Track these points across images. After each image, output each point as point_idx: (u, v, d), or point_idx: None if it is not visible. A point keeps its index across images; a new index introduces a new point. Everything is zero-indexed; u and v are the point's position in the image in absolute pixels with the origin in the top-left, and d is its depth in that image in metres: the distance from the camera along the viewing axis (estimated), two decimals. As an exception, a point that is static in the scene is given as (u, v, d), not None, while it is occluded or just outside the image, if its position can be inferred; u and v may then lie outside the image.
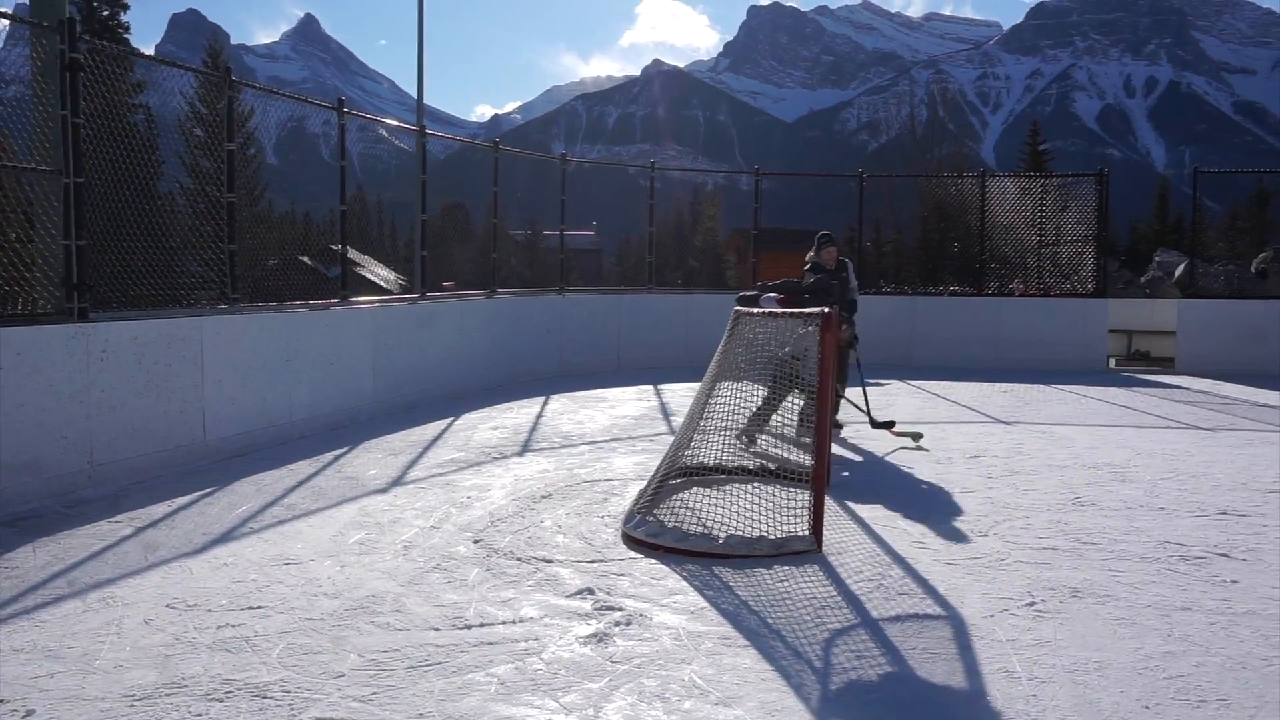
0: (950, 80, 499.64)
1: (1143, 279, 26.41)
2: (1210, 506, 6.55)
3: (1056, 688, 3.71)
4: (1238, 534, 5.85)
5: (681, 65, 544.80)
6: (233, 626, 4.27)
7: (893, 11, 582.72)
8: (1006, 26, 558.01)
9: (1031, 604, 4.62)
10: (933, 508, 6.47)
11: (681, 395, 11.96)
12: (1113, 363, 17.11)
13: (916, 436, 9.03)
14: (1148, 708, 3.55)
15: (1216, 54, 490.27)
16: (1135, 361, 17.82)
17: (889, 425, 9.11)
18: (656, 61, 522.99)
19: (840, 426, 9.31)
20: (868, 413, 9.24)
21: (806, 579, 4.96)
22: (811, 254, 9.36)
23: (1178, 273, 24.11)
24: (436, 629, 4.26)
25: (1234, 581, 4.95)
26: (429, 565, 5.16)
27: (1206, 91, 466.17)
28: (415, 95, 23.68)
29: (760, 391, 6.73)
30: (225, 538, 5.66)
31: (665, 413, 10.79)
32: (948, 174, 23.86)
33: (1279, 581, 4.96)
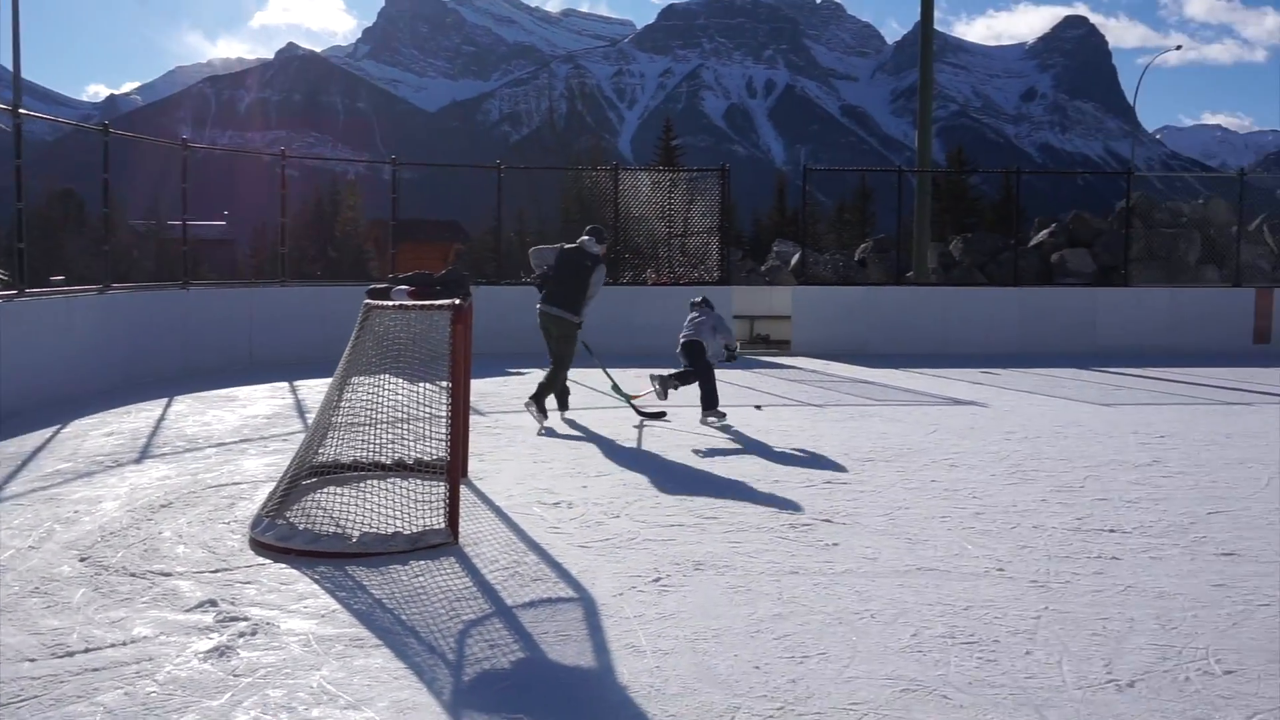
0: (588, 75, 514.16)
1: (763, 268, 28.34)
2: (817, 477, 7.14)
3: (678, 658, 3.91)
4: (840, 500, 6.41)
5: (319, 50, 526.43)
6: None
7: (532, 5, 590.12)
8: (640, 26, 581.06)
9: (657, 579, 4.84)
10: (568, 493, 6.64)
11: (318, 391, 11.55)
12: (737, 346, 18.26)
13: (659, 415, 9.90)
14: (758, 668, 3.82)
15: (825, 61, 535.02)
16: (757, 345, 19.10)
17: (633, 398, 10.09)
18: (291, 45, 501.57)
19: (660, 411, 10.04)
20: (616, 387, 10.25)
21: (442, 572, 4.94)
22: (595, 244, 9.64)
23: (793, 261, 26.06)
24: (32, 660, 3.87)
25: (835, 544, 5.43)
26: (25, 590, 4.68)
27: (818, 95, 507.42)
28: (11, 70, 21.36)
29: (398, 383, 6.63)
30: None
31: (300, 410, 10.40)
32: (583, 167, 24.50)
33: (871, 541, 5.48)
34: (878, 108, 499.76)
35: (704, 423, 9.56)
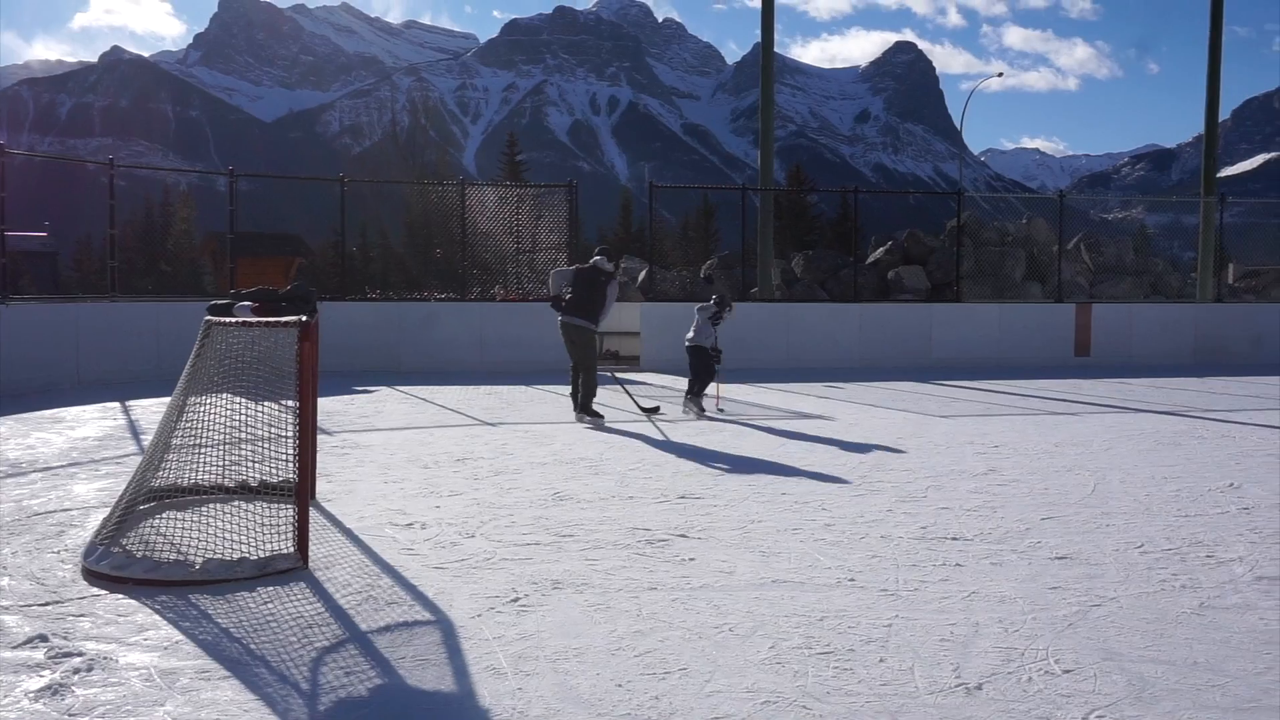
0: (431, 88, 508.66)
1: (611, 283, 28.49)
2: (672, 492, 7.19)
3: (540, 679, 3.87)
4: (694, 515, 6.47)
5: (146, 55, 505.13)
6: None
7: (372, 16, 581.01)
8: (483, 40, 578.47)
9: (516, 599, 4.78)
10: (421, 513, 6.51)
11: (153, 411, 11.07)
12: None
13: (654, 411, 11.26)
14: (620, 686, 3.81)
15: (668, 79, 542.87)
16: (607, 361, 19.16)
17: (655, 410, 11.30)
18: (117, 49, 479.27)
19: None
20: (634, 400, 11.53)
21: (292, 598, 4.78)
22: (607, 262, 10.95)
23: (640, 277, 26.28)
24: None
25: (691, 559, 5.47)
26: None
27: (661, 113, 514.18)
28: None
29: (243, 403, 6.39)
30: None
31: (134, 431, 9.93)
32: (428, 181, 24.20)
33: (726, 555, 5.55)
34: (719, 126, 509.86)
35: (684, 412, 11.42)
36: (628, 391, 12.09)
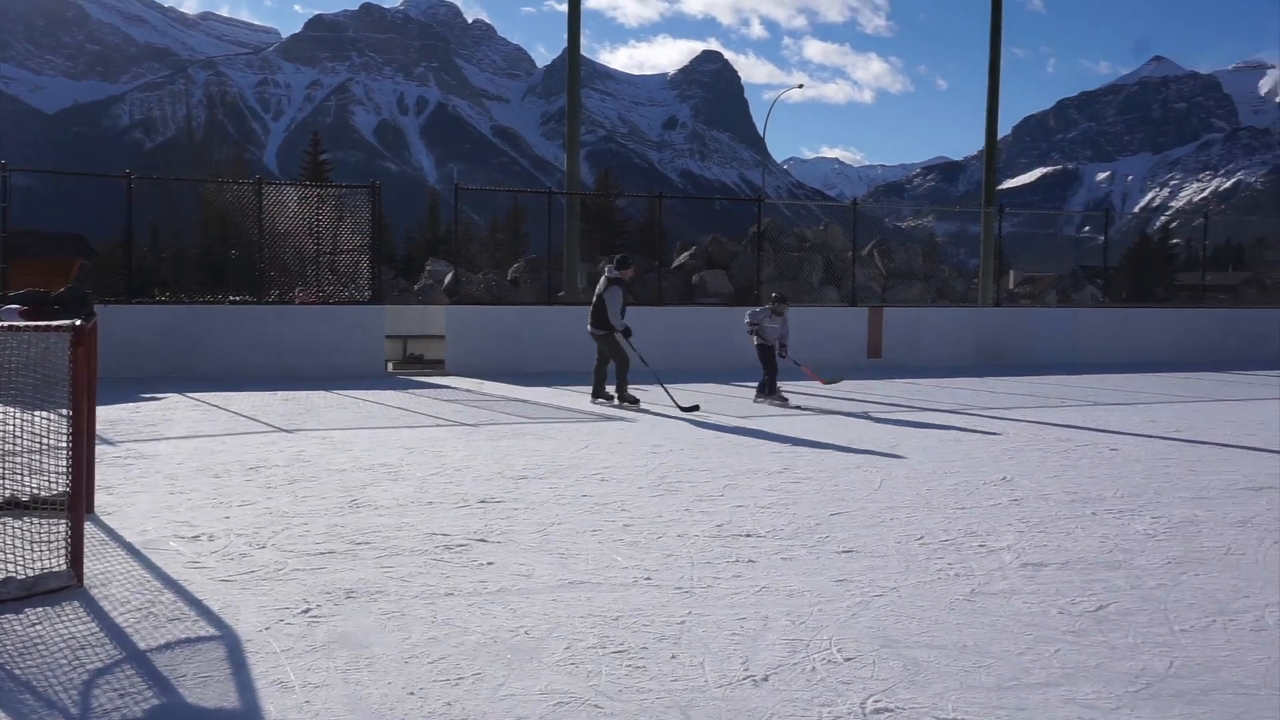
0: (230, 83, 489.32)
1: (416, 287, 28.08)
2: (472, 496, 7.15)
3: (329, 690, 3.78)
4: (494, 519, 6.45)
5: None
6: None
7: (166, 5, 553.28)
8: (285, 35, 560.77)
9: (307, 610, 4.66)
10: (208, 524, 6.26)
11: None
12: (390, 367, 17.97)
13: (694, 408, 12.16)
14: (412, 693, 3.76)
15: (477, 81, 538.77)
16: (411, 365, 18.88)
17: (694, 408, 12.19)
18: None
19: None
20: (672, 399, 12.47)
21: (64, 618, 4.52)
22: (613, 270, 12.75)
23: (447, 280, 25.99)
24: None
25: (490, 563, 5.45)
26: None
27: (470, 115, 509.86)
28: None
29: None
30: None
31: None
32: (224, 179, 23.31)
33: (525, 559, 5.55)
34: (529, 129, 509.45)
35: (771, 404, 13.12)
36: (666, 390, 12.93)
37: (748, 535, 6.14)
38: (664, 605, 4.78)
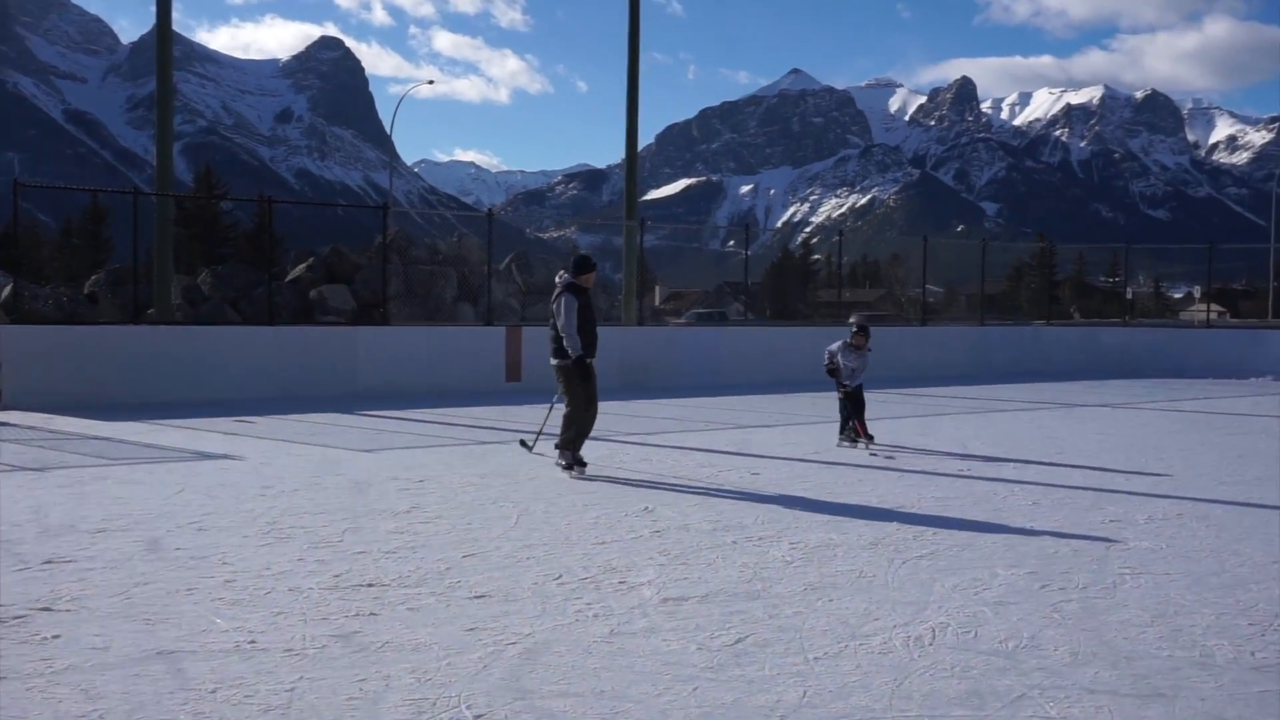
0: None
1: (-34, 302, 25.60)
2: (34, 557, 6.59)
3: None
4: (63, 583, 5.99)
5: None
6: None
7: None
8: None
9: None
10: None
11: None
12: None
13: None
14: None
15: (45, 55, 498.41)
16: None
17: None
18: None
19: None
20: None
21: None
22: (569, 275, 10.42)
23: (4, 294, 23.90)
24: None
25: (56, 637, 5.05)
26: None
27: (35, 95, 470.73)
28: None
29: None
30: None
31: None
32: None
33: (102, 628, 5.19)
34: (111, 116, 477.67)
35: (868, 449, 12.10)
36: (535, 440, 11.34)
37: (369, 585, 6.06)
38: (270, 671, 4.63)
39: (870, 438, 12.28)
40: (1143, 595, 6.06)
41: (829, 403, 18.50)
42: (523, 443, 11.34)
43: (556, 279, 10.75)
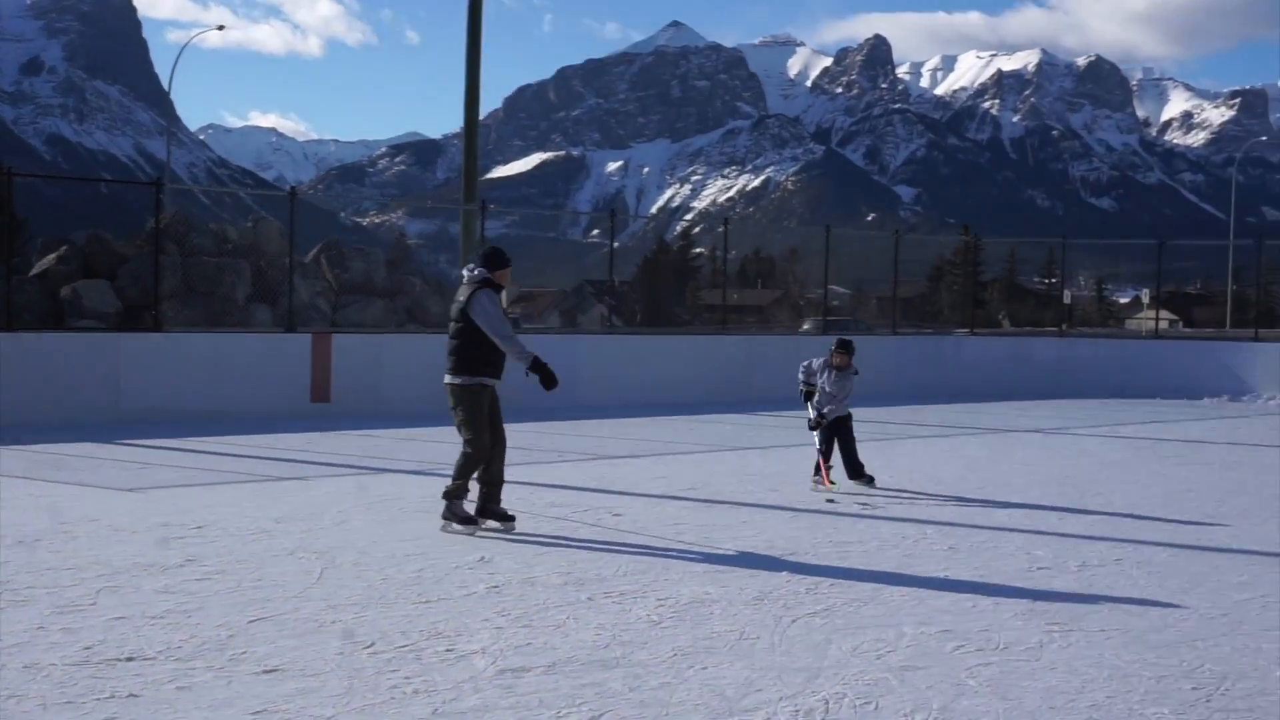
0: None
1: None
2: None
3: None
4: None
5: None
6: None
7: None
8: None
9: None
10: None
11: None
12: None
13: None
14: None
15: None
16: None
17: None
18: None
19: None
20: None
21: None
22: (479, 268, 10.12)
23: None
24: None
25: None
26: None
27: None
28: None
29: None
30: None
31: None
32: None
33: None
34: None
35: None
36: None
37: (129, 659, 5.94)
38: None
39: (870, 479, 12.20)
40: (1072, 657, 6.27)
41: (712, 428, 18.74)
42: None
43: (464, 273, 10.50)
